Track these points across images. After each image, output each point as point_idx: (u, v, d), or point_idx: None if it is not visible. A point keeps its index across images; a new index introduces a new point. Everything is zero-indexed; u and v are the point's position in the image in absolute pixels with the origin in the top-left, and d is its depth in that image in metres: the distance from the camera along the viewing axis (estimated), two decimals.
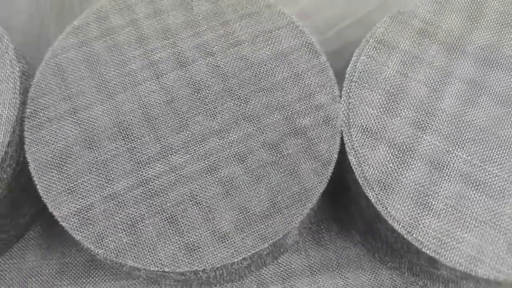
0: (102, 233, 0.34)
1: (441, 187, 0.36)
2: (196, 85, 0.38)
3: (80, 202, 0.35)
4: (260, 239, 0.34)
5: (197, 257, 0.34)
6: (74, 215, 0.35)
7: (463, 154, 0.37)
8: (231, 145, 0.36)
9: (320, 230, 0.45)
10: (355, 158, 0.37)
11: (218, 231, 0.34)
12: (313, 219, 0.44)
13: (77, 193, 0.35)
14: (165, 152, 0.36)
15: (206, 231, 0.34)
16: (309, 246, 0.44)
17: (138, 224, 0.34)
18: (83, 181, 0.35)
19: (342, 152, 0.38)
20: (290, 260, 0.44)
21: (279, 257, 0.43)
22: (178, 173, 0.35)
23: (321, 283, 0.43)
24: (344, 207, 0.44)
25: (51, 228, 0.45)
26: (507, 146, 0.37)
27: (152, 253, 0.34)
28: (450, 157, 0.37)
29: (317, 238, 0.44)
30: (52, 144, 0.36)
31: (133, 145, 0.36)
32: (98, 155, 0.36)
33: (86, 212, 0.35)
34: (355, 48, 0.41)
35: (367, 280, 0.44)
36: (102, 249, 0.34)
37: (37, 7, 0.47)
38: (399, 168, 0.36)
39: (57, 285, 0.43)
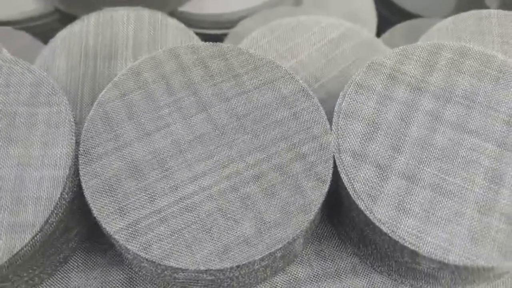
0: (148, 242, 0.43)
1: (416, 195, 0.46)
2: (216, 123, 0.48)
3: (128, 219, 0.44)
4: (275, 241, 0.44)
5: (226, 257, 0.43)
6: (124, 229, 0.44)
7: (430, 169, 0.48)
8: (247, 169, 0.46)
9: (321, 244, 0.54)
10: (346, 176, 0.47)
11: (241, 236, 0.44)
12: (315, 232, 0.54)
13: (125, 212, 0.45)
14: (195, 177, 0.46)
15: (232, 237, 0.44)
16: (312, 258, 0.54)
17: (177, 234, 0.44)
18: (129, 202, 0.45)
19: (335, 173, 0.48)
20: (296, 270, 0.53)
21: (289, 264, 0.52)
22: (207, 193, 0.45)
23: None
24: (339, 223, 0.54)
25: (93, 251, 0.53)
26: (463, 162, 0.48)
27: (190, 256, 0.43)
28: (420, 172, 0.47)
29: (319, 251, 0.54)
30: (102, 175, 0.46)
31: (169, 172, 0.46)
32: (141, 181, 0.46)
33: (134, 226, 0.44)
34: (336, 97, 0.52)
35: (362, 284, 0.53)
36: (149, 255, 0.43)
37: (72, 71, 0.58)
38: (381, 182, 0.47)
39: None
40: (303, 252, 0.53)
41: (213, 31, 0.80)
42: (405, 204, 0.46)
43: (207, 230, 0.44)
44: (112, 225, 0.44)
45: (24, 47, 0.74)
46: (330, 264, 0.53)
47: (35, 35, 0.83)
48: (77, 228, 0.51)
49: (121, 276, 0.52)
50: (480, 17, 0.64)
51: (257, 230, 0.44)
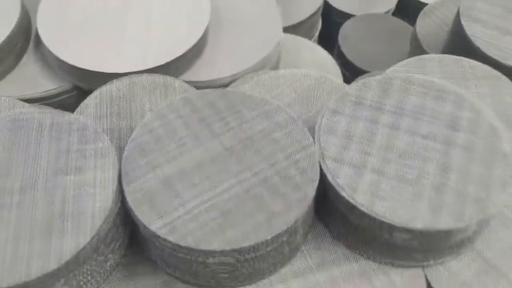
0: (183, 235, 0.57)
1: (385, 185, 0.62)
2: (226, 146, 0.64)
3: (165, 220, 0.58)
4: (281, 225, 0.58)
5: (245, 239, 0.57)
6: (163, 227, 0.58)
7: (394, 165, 0.64)
8: (254, 176, 0.62)
9: (317, 240, 0.68)
10: (330, 175, 0.63)
11: (255, 224, 0.58)
12: (311, 228, 0.68)
13: (163, 215, 0.59)
14: (215, 185, 0.61)
15: (249, 225, 0.58)
16: (310, 251, 0.67)
17: (205, 227, 0.58)
18: (165, 208, 0.59)
19: (321, 175, 0.64)
20: (295, 262, 0.66)
21: (293, 255, 0.66)
22: (225, 195, 0.60)
23: (320, 277, 0.66)
24: (327, 215, 0.68)
25: (130, 263, 0.66)
26: (419, 158, 0.64)
27: (216, 241, 0.57)
28: (387, 168, 0.63)
29: (315, 245, 0.68)
30: (141, 190, 0.61)
31: (194, 184, 0.61)
32: (172, 192, 0.60)
33: (171, 224, 0.58)
34: (313, 127, 0.69)
35: (353, 269, 0.66)
36: (185, 243, 0.57)
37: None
38: (358, 177, 0.62)
39: None
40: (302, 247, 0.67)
41: None
42: (377, 192, 0.61)
43: (228, 222, 0.58)
44: (154, 225, 0.58)
45: None
46: (326, 255, 0.67)
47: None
48: (119, 240, 0.64)
49: (157, 281, 0.65)
50: (422, 59, 0.84)
51: (267, 219, 0.59)
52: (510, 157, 0.64)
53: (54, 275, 0.57)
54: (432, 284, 0.65)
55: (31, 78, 0.97)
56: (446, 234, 0.59)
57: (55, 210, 0.59)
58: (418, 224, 0.59)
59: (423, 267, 0.66)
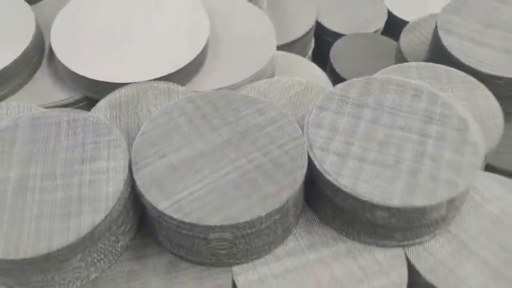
0: (187, 213, 0.65)
1: (366, 170, 0.70)
2: (224, 138, 0.73)
3: (171, 200, 0.66)
4: (274, 203, 0.66)
5: (242, 216, 0.65)
6: (170, 207, 0.66)
7: (374, 154, 0.72)
8: (250, 163, 0.70)
9: (307, 224, 0.76)
10: (318, 163, 0.71)
11: (251, 203, 0.66)
12: (302, 213, 0.76)
13: (169, 196, 0.67)
14: (215, 170, 0.69)
15: (245, 204, 0.66)
16: (301, 234, 0.75)
17: (207, 206, 0.66)
18: (171, 190, 0.67)
19: (309, 163, 0.72)
20: (288, 243, 0.74)
21: (286, 236, 0.73)
22: (224, 179, 0.68)
23: (310, 256, 0.73)
24: (314, 200, 0.76)
25: (139, 246, 0.74)
26: (396, 147, 0.72)
27: (217, 218, 0.65)
28: (367, 155, 0.72)
29: (306, 229, 0.76)
30: (149, 176, 0.69)
31: (196, 170, 0.69)
32: (177, 177, 0.69)
33: (176, 204, 0.66)
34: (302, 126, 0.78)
35: (340, 249, 0.74)
36: (190, 220, 0.65)
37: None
38: (342, 164, 0.71)
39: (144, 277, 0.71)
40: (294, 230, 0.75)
41: None
42: (359, 176, 0.69)
43: (227, 202, 0.66)
44: (161, 205, 0.66)
45: None
46: (316, 238, 0.75)
47: None
48: (129, 224, 0.72)
49: (163, 261, 0.73)
50: (402, 66, 0.93)
51: (261, 199, 0.67)
52: (478, 145, 0.73)
53: (72, 249, 0.64)
54: (412, 261, 0.73)
55: (45, 89, 1.06)
56: (420, 211, 0.68)
57: (73, 194, 0.67)
58: (395, 201, 0.67)
59: (403, 246, 0.74)
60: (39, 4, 1.21)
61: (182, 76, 1.03)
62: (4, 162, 0.70)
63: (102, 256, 0.69)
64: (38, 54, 1.08)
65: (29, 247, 0.63)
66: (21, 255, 0.62)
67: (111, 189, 0.67)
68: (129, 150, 0.72)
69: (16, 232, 0.64)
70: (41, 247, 0.63)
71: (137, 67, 1.00)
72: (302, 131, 0.75)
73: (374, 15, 1.64)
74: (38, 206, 0.66)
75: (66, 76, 1.05)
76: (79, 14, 1.09)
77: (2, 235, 0.64)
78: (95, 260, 0.69)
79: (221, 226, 0.65)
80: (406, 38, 1.16)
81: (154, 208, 0.66)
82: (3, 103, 0.92)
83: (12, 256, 0.62)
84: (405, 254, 0.74)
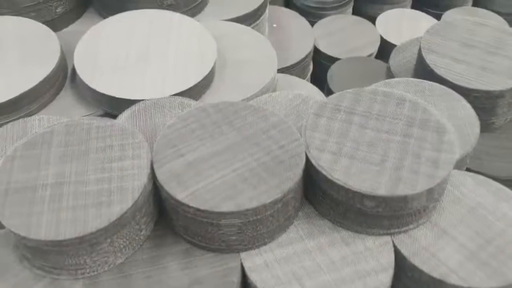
0: (202, 202, 0.76)
1: (356, 167, 0.82)
2: (232, 141, 0.85)
3: (188, 191, 0.78)
4: (277, 193, 0.78)
5: (251, 203, 0.76)
6: (187, 196, 0.77)
7: (362, 153, 0.84)
8: (255, 161, 0.82)
9: (306, 217, 0.88)
10: (314, 160, 0.83)
11: (258, 192, 0.78)
12: (301, 207, 0.88)
13: (186, 188, 0.78)
14: (226, 166, 0.81)
15: (252, 192, 0.78)
16: (301, 225, 0.87)
17: (220, 195, 0.77)
18: (189, 183, 0.79)
19: (308, 162, 0.84)
20: (290, 233, 0.85)
21: (286, 227, 0.85)
22: (234, 173, 0.80)
23: (309, 244, 0.85)
24: (317, 201, 0.88)
25: (156, 236, 0.85)
26: (381, 147, 0.84)
27: (228, 205, 0.76)
28: (357, 154, 0.84)
29: (305, 220, 0.87)
30: (169, 172, 0.81)
31: (210, 166, 0.81)
32: (194, 171, 0.80)
33: (193, 194, 0.78)
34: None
35: (335, 237, 0.85)
36: (205, 207, 0.76)
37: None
38: (335, 161, 0.83)
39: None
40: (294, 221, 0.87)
41: None
42: (350, 171, 0.81)
43: (236, 193, 0.78)
44: (179, 195, 0.78)
45: None
46: (313, 228, 0.86)
47: None
48: (150, 216, 0.84)
49: (180, 248, 0.84)
50: (388, 82, 1.06)
51: (265, 190, 0.78)
52: (453, 145, 0.85)
53: (103, 233, 0.76)
54: (398, 247, 0.84)
55: (68, 107, 1.19)
56: (403, 200, 0.79)
57: (104, 187, 0.79)
58: (381, 191, 0.78)
59: (390, 234, 0.85)
60: (63, 31, 1.35)
61: (192, 94, 1.16)
62: (43, 161, 0.82)
63: (127, 242, 0.81)
64: (62, 76, 1.21)
65: (67, 230, 0.74)
66: (61, 237, 0.73)
67: (137, 183, 0.79)
68: (151, 150, 0.84)
69: (55, 218, 0.75)
70: (77, 231, 0.74)
71: (153, 85, 1.13)
72: (300, 134, 0.87)
73: (368, 40, 1.79)
74: (74, 197, 0.78)
75: (87, 94, 1.18)
76: (99, 39, 1.23)
77: (43, 221, 0.75)
78: (121, 246, 0.80)
79: (231, 212, 0.76)
80: (395, 59, 1.29)
81: (173, 198, 0.78)
82: (35, 116, 1.04)
83: (52, 237, 0.73)
84: (392, 241, 0.85)
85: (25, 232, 0.74)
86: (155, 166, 0.81)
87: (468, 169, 1.04)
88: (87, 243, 0.75)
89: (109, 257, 0.80)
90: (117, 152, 0.83)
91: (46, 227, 0.74)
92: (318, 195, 0.86)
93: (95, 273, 0.80)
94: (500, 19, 1.96)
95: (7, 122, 1.06)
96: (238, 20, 1.43)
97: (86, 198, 0.77)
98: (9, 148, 0.94)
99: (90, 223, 0.75)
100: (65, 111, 1.18)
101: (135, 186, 0.78)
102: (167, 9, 1.33)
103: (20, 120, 1.03)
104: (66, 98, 1.21)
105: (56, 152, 0.84)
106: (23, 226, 0.75)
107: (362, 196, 0.79)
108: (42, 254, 0.77)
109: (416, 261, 0.82)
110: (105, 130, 0.86)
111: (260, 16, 1.52)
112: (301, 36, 1.71)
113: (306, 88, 1.44)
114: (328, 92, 1.60)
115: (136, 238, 0.82)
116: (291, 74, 1.58)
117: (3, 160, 0.83)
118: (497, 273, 0.79)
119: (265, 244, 0.84)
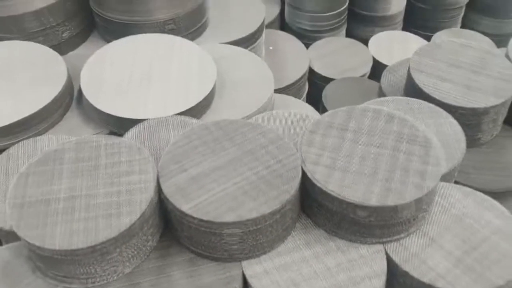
0: (206, 213, 0.82)
1: (349, 178, 0.88)
2: (233, 156, 0.91)
3: (193, 203, 0.84)
4: (276, 204, 0.84)
5: (250, 214, 0.82)
6: (191, 208, 0.83)
7: (355, 165, 0.90)
8: (254, 174, 0.88)
9: (303, 228, 0.93)
10: (309, 173, 0.89)
11: (256, 204, 0.84)
12: (298, 218, 0.94)
13: (191, 200, 0.84)
14: (227, 180, 0.87)
15: (253, 204, 0.84)
16: (298, 235, 0.92)
17: (222, 207, 0.83)
18: (193, 195, 0.85)
19: (303, 175, 0.90)
20: (288, 243, 0.91)
21: (285, 237, 0.90)
22: (235, 186, 0.86)
23: (306, 253, 0.90)
24: (313, 213, 0.94)
25: (161, 248, 0.91)
26: (373, 160, 0.91)
27: (230, 216, 0.82)
28: (350, 167, 0.90)
29: (302, 231, 0.93)
30: (174, 186, 0.87)
31: (213, 179, 0.87)
32: (198, 185, 0.86)
33: (197, 206, 0.84)
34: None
35: (331, 246, 0.91)
36: (208, 218, 0.82)
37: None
38: (329, 174, 0.89)
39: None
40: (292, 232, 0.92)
41: None
42: (343, 183, 0.87)
43: (237, 204, 0.84)
44: (184, 207, 0.83)
45: None
46: (309, 237, 0.92)
47: None
48: (156, 227, 0.89)
49: (184, 258, 0.90)
50: (378, 101, 1.12)
51: (264, 201, 0.84)
52: (439, 158, 0.91)
53: (113, 243, 0.81)
54: (390, 255, 0.89)
55: (74, 127, 1.25)
56: (393, 209, 0.85)
57: (113, 200, 0.85)
58: (372, 202, 0.84)
59: (383, 243, 0.91)
60: (69, 54, 1.42)
61: (194, 113, 1.22)
62: (55, 176, 0.88)
63: (135, 252, 0.86)
64: (69, 97, 1.28)
65: (79, 240, 0.80)
66: (73, 247, 0.79)
67: (144, 196, 0.85)
68: (157, 166, 0.90)
69: (68, 230, 0.81)
70: (89, 240, 0.80)
71: (156, 105, 1.20)
72: (297, 149, 0.93)
73: (360, 61, 1.86)
74: (85, 210, 0.83)
75: (93, 115, 1.24)
76: (104, 62, 1.30)
77: (57, 232, 0.81)
78: (130, 256, 0.85)
79: (233, 223, 0.82)
80: (386, 79, 1.37)
81: (178, 210, 0.84)
82: (44, 135, 1.10)
83: (65, 247, 0.79)
84: (385, 249, 0.90)
85: (40, 242, 0.79)
86: (161, 180, 0.87)
87: (456, 182, 1.10)
88: (98, 253, 0.81)
89: (118, 266, 0.85)
90: (125, 168, 0.89)
91: (59, 238, 0.80)
92: (314, 206, 0.91)
93: (105, 281, 0.86)
94: (487, 39, 2.05)
95: (17, 142, 1.12)
96: (236, 43, 1.51)
97: (97, 210, 0.83)
98: (21, 166, 1.00)
99: (101, 233, 0.80)
100: (72, 130, 1.24)
101: (142, 198, 0.84)
102: (168, 33, 1.41)
103: (30, 139, 1.09)
104: (73, 118, 1.28)
105: (67, 168, 0.89)
106: (38, 237, 0.80)
107: (355, 206, 0.85)
108: (55, 263, 0.83)
109: (407, 268, 0.87)
110: (113, 147, 0.92)
111: (257, 39, 1.60)
112: (296, 57, 1.79)
113: (302, 107, 1.51)
114: (323, 111, 1.67)
115: (144, 248, 0.88)
116: (288, 94, 1.65)
117: (18, 176, 0.88)
118: (482, 277, 0.84)
119: (265, 253, 0.89)
